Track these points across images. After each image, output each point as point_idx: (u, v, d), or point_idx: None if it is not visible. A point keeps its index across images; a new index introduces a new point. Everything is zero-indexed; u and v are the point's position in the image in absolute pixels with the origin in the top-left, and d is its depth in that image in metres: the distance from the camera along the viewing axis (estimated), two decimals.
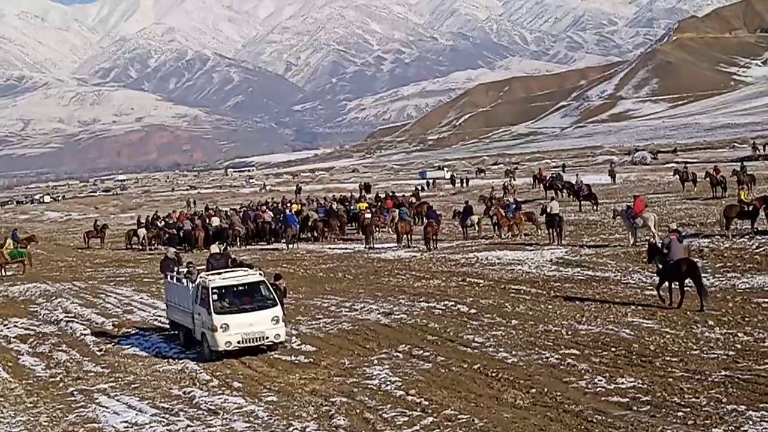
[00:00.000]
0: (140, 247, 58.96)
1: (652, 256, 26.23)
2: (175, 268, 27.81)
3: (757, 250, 31.88)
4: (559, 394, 16.35)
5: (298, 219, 54.85)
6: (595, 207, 57.29)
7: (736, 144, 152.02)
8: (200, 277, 23.81)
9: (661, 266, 24.96)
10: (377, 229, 53.13)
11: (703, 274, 25.00)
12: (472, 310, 25.44)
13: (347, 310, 27.63)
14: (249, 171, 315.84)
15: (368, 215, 50.78)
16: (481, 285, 30.56)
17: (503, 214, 46.87)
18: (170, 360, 23.13)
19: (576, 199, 59.76)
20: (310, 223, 55.53)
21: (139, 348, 25.24)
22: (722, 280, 27.79)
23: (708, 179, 60.74)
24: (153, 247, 57.84)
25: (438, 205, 63.69)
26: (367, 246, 47.09)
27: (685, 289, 24.01)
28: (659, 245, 25.97)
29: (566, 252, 37.47)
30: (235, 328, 22.02)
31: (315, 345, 22.98)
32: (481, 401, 16.38)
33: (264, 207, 64.39)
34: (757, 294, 25.08)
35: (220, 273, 24.26)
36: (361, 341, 22.90)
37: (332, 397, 17.60)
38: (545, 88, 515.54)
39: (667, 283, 24.67)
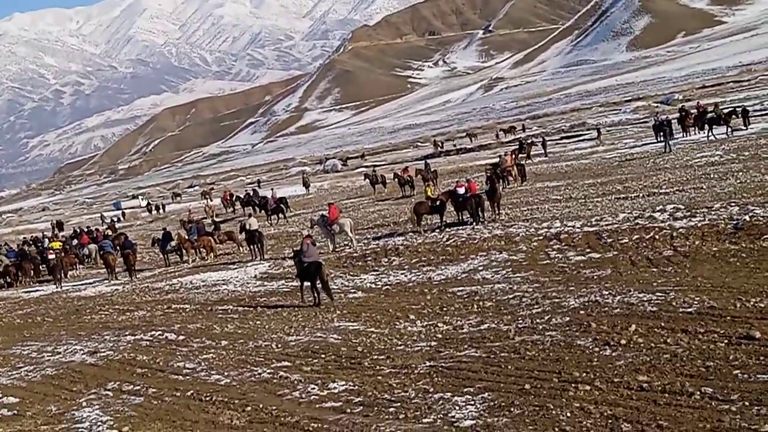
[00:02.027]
0: None
1: (294, 259, 28.65)
2: None
3: (448, 242, 33.40)
4: (274, 408, 16.38)
5: None
6: (285, 218, 58.21)
7: (419, 143, 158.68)
8: None
9: (298, 268, 27.55)
10: (72, 267, 51.40)
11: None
12: (181, 337, 25.02)
13: (50, 354, 26.36)
14: None
15: (52, 256, 48.92)
16: (187, 310, 30.16)
17: (186, 237, 46.57)
18: None
19: (266, 214, 60.38)
20: (0, 269, 52.69)
21: None
22: (419, 275, 28.94)
23: (396, 180, 63.09)
24: None
25: (137, 234, 62.38)
26: (58, 287, 45.37)
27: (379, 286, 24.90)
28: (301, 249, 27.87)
29: (269, 266, 37.72)
30: None
31: (18, 395, 21.74)
32: (197, 428, 16.13)
33: None
34: (452, 284, 26.31)
35: None
36: (68, 384, 21.91)
37: None
38: (232, 107, 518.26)
39: (307, 283, 27.10)
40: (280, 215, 59.48)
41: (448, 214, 39.69)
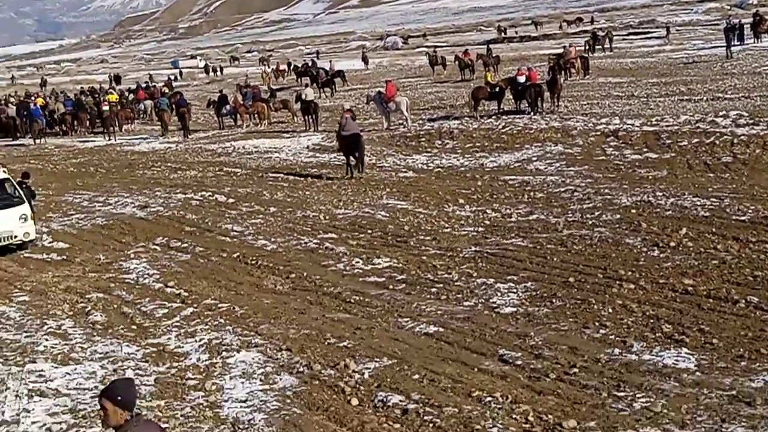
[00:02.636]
0: None
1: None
2: None
3: (504, 130, 33.10)
4: (318, 277, 16.58)
5: (44, 113, 52.53)
6: (335, 92, 57.89)
7: (482, 27, 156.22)
8: None
9: (338, 141, 28.60)
10: (128, 121, 51.86)
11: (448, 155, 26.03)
12: (230, 200, 25.28)
13: (101, 204, 26.83)
14: None
15: (106, 107, 49.35)
16: (238, 174, 30.37)
17: (241, 102, 46.48)
18: None
19: (317, 86, 59.89)
20: (57, 117, 53.26)
21: None
22: (471, 160, 28.79)
23: (456, 62, 62.27)
24: None
25: (193, 95, 62.57)
26: (110, 139, 45.90)
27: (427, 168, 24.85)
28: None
29: (322, 138, 37.68)
30: None
31: (68, 242, 22.23)
32: (241, 289, 16.39)
33: (5, 101, 61.23)
34: (504, 172, 26.18)
35: None
36: (117, 235, 22.33)
37: (88, 293, 17.13)
38: None
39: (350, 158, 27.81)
40: (332, 88, 59.18)
41: (506, 101, 39.23)
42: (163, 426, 7.82)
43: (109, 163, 36.62)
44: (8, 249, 21.48)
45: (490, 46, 79.34)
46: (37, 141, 48.27)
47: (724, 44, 57.14)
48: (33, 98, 61.85)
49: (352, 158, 27.74)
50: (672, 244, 16.30)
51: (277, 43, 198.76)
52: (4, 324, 15.84)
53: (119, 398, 6.18)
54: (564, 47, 57.53)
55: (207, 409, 11.32)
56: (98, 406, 11.24)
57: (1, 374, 13.17)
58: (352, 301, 15.01)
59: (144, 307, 15.88)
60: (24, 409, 11.84)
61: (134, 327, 14.90)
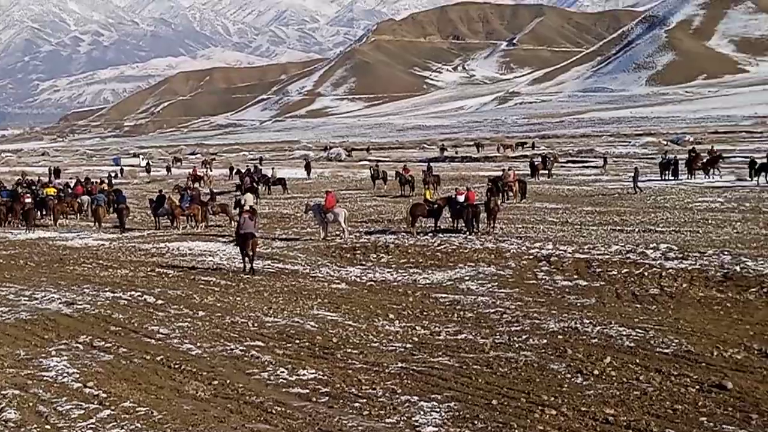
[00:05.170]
0: None
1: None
2: None
3: (439, 248, 33.37)
4: (241, 385, 16.36)
5: None
6: (256, 200, 57.72)
7: (425, 145, 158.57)
8: None
9: (236, 237, 31.88)
10: (64, 215, 51.38)
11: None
12: (159, 301, 24.99)
13: (27, 299, 26.33)
14: None
15: (28, 200, 49.12)
16: (170, 275, 30.11)
17: (177, 204, 46.44)
18: None
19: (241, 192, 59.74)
20: None
21: None
22: (404, 276, 28.89)
23: (397, 178, 63.02)
24: None
25: (132, 193, 62.31)
26: (29, 231, 45.64)
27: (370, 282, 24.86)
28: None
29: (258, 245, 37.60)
30: None
31: None
32: (161, 393, 16.10)
33: None
34: (436, 289, 26.28)
35: None
36: (40, 331, 21.89)
37: (4, 389, 16.69)
38: (246, 81, 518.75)
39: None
40: (256, 193, 59.16)
41: (444, 219, 39.67)
42: None
43: (39, 257, 36.13)
44: None
45: (431, 164, 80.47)
46: None
47: (659, 178, 58.59)
48: None
49: (244, 253, 30.57)
50: (596, 372, 16.40)
51: (221, 147, 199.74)
52: None
53: None
54: (503, 170, 58.60)
55: None
56: None
57: None
58: (274, 411, 14.81)
59: (60, 407, 15.50)
60: None
61: (48, 427, 14.53)
